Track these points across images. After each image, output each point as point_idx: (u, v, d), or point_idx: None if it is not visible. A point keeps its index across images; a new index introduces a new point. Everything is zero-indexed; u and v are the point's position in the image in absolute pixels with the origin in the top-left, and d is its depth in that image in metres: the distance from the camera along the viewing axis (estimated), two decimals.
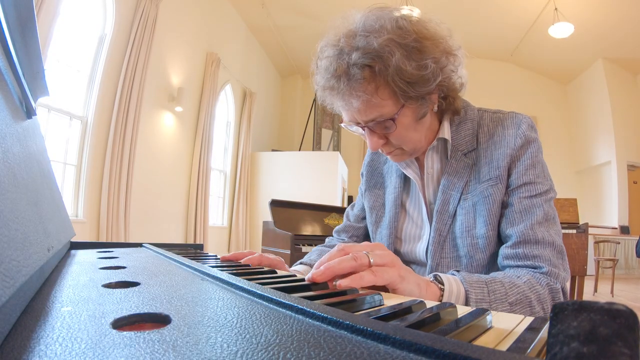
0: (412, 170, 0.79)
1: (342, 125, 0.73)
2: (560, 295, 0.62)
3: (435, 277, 0.55)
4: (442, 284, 0.53)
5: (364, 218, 0.96)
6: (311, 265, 0.85)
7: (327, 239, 1.03)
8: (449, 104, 0.72)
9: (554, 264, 0.63)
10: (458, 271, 0.59)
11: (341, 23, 0.65)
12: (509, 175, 0.68)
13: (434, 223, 0.73)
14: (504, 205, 0.68)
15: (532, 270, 0.63)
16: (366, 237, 0.97)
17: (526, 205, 0.66)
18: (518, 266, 0.64)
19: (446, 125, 0.74)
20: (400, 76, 0.60)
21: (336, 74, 0.61)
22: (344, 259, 0.46)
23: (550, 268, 0.62)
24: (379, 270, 0.46)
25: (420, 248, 0.78)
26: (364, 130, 0.70)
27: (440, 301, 0.51)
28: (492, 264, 0.70)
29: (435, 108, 0.70)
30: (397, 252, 0.84)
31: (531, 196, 0.66)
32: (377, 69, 0.60)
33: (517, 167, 0.68)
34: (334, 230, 1.04)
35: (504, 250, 0.67)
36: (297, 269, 0.83)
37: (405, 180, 0.83)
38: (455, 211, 0.71)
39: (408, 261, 0.83)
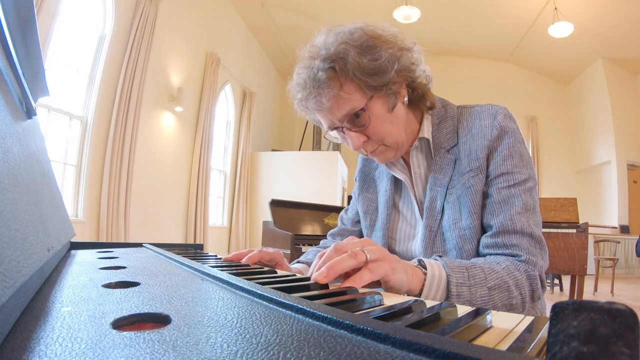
0: (400, 171, 0.82)
1: (325, 136, 0.79)
2: (538, 282, 0.65)
3: (420, 262, 0.57)
4: (426, 269, 0.56)
5: (359, 222, 0.98)
6: (308, 264, 0.87)
7: (322, 241, 1.04)
8: (420, 97, 0.76)
9: (531, 252, 0.66)
10: (440, 256, 0.61)
11: (308, 49, 0.72)
12: (487, 166, 0.71)
13: (424, 220, 0.76)
14: (485, 196, 0.71)
15: (511, 257, 0.65)
16: None
17: (505, 195, 0.68)
18: (497, 254, 0.67)
19: (426, 125, 0.77)
20: (360, 69, 0.66)
21: (306, 84, 0.69)
22: (344, 257, 0.47)
23: (528, 256, 0.65)
24: (375, 266, 0.48)
25: (415, 246, 0.80)
26: (343, 132, 0.73)
27: (424, 285, 0.55)
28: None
29: (406, 100, 0.74)
30: (392, 251, 0.85)
31: (509, 186, 0.69)
32: (338, 68, 0.67)
33: (494, 158, 0.70)
34: (328, 233, 1.05)
35: (484, 239, 0.69)
36: (295, 267, 0.85)
37: (397, 182, 0.86)
38: (443, 206, 0.74)
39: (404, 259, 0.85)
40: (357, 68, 0.65)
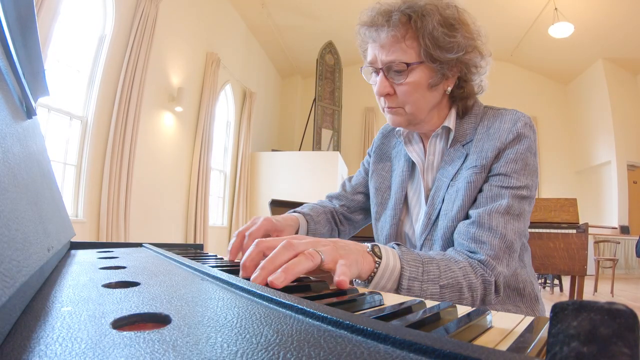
0: (416, 154, 0.83)
1: (361, 68, 0.79)
2: (492, 287, 0.64)
3: (373, 248, 0.55)
4: (380, 257, 0.55)
5: (360, 193, 1.00)
6: (304, 214, 0.90)
7: (318, 200, 1.04)
8: (462, 95, 0.77)
9: (496, 255, 0.65)
10: (399, 244, 0.60)
11: None
12: (492, 165, 0.72)
13: (426, 208, 0.77)
14: (479, 191, 0.72)
15: (472, 256, 0.65)
16: (358, 211, 1.01)
17: (494, 193, 0.69)
18: (462, 245, 0.68)
19: (453, 115, 0.78)
20: (430, 34, 0.67)
21: (380, 13, 0.71)
22: (301, 260, 0.43)
23: (489, 258, 0.64)
24: (340, 268, 0.45)
25: (417, 229, 0.81)
26: (378, 74, 0.74)
27: (374, 274, 0.54)
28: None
29: (449, 89, 0.75)
30: (399, 231, 0.87)
31: (501, 186, 0.69)
32: (414, 19, 0.68)
33: (499, 160, 0.71)
34: (326, 195, 1.05)
35: (460, 225, 0.70)
36: (296, 216, 0.88)
37: (412, 165, 0.87)
38: (444, 197, 0.75)
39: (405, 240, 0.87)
40: (429, 31, 0.67)
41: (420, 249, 0.77)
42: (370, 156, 0.99)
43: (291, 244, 0.45)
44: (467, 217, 0.71)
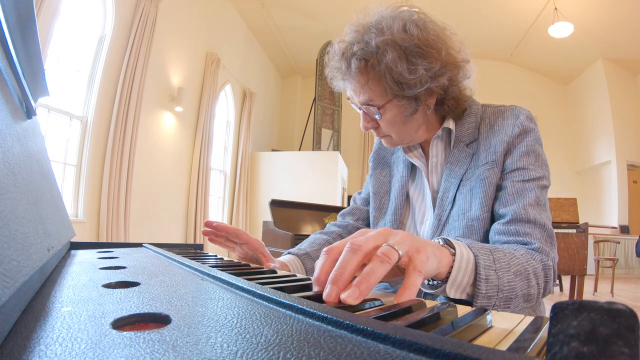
0: (417, 158, 0.83)
1: (349, 100, 0.81)
2: (552, 272, 0.63)
3: (446, 241, 0.51)
4: (453, 249, 0.50)
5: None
6: (298, 255, 0.84)
7: (327, 225, 1.02)
8: (449, 110, 0.77)
9: (544, 243, 0.65)
10: (457, 238, 0.56)
11: (364, 14, 0.73)
12: (504, 161, 0.72)
13: (435, 209, 0.77)
14: (498, 189, 0.71)
15: (524, 246, 0.64)
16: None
17: (519, 188, 0.69)
18: (509, 242, 0.66)
19: (451, 120, 0.79)
20: (390, 74, 0.67)
21: (342, 59, 0.72)
22: (375, 266, 0.35)
23: (540, 245, 0.63)
24: (416, 263, 0.39)
25: (423, 231, 0.81)
26: (360, 109, 0.76)
27: (452, 267, 0.48)
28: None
29: (429, 110, 0.75)
30: None
31: (524, 180, 0.69)
32: (371, 63, 0.68)
33: (512, 154, 0.71)
34: (339, 214, 1.03)
35: (496, 226, 0.68)
36: (285, 260, 0.82)
37: (412, 168, 0.87)
38: (455, 197, 0.74)
39: None
40: (388, 71, 0.67)
41: None
42: (371, 161, 0.99)
43: (356, 245, 0.37)
44: (491, 216, 0.71)
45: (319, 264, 0.38)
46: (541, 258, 0.62)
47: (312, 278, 0.38)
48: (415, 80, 0.67)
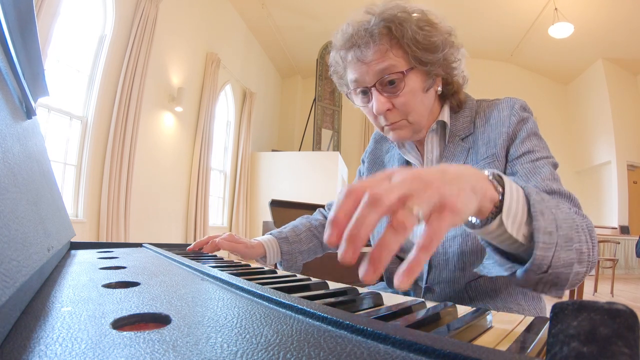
0: (412, 156, 0.82)
1: (347, 93, 0.77)
2: (594, 233, 0.52)
3: (495, 176, 0.43)
4: (501, 185, 0.42)
5: None
6: (277, 238, 0.92)
7: (316, 210, 1.07)
8: (451, 92, 0.77)
9: (577, 210, 0.57)
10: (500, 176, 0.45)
11: (364, 8, 0.72)
12: (507, 152, 0.70)
13: None
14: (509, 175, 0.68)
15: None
16: None
17: (530, 167, 0.66)
18: None
19: (446, 109, 0.78)
20: (413, 40, 0.67)
21: (357, 33, 0.69)
22: (388, 239, 0.28)
23: (576, 209, 0.57)
24: (436, 216, 0.31)
25: (417, 230, 0.79)
26: (369, 96, 0.72)
27: (497, 207, 0.41)
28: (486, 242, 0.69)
29: (439, 90, 0.75)
30: None
31: (533, 160, 0.67)
32: (394, 28, 0.68)
33: (514, 142, 0.70)
34: (326, 204, 1.07)
35: None
36: (262, 240, 0.90)
37: (407, 165, 0.86)
38: None
39: (402, 249, 0.84)
40: (411, 37, 0.67)
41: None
42: (364, 163, 0.98)
43: (376, 197, 0.30)
44: None
45: (337, 202, 0.32)
46: (583, 218, 0.53)
47: (327, 221, 0.31)
48: (436, 43, 0.68)
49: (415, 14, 0.69)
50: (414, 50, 0.68)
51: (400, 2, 0.71)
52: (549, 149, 0.71)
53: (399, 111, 0.72)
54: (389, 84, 0.70)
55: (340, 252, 0.29)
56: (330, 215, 0.31)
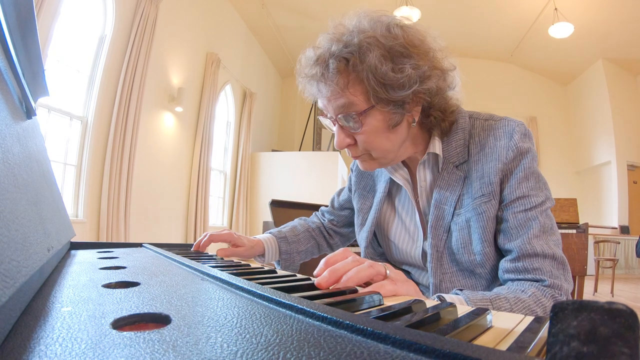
0: (401, 177, 0.78)
1: (320, 117, 0.72)
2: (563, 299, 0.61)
3: (439, 298, 0.51)
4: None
5: (346, 209, 1.02)
6: (276, 237, 0.94)
7: (313, 214, 1.10)
8: (435, 122, 0.70)
9: (555, 275, 0.62)
10: (461, 290, 0.57)
11: (339, 22, 0.66)
12: (502, 190, 0.66)
13: (429, 239, 0.71)
14: (499, 221, 0.67)
15: (535, 283, 0.61)
16: (346, 225, 1.05)
17: (521, 219, 0.64)
18: (519, 279, 0.63)
19: (436, 139, 0.72)
20: (374, 74, 0.59)
21: (316, 63, 0.64)
22: (363, 267, 0.47)
23: (552, 280, 0.61)
24: (398, 281, 0.48)
25: (415, 252, 0.79)
26: (334, 125, 0.68)
27: None
28: (495, 276, 0.70)
29: (414, 123, 0.68)
30: (382, 253, 0.87)
31: (526, 210, 0.64)
32: (352, 62, 0.60)
33: (509, 182, 0.66)
34: (320, 209, 1.10)
35: (504, 264, 0.65)
36: (262, 238, 0.92)
37: (397, 183, 0.82)
38: (450, 227, 0.70)
39: (401, 262, 0.84)
40: (371, 71, 0.59)
41: (439, 286, 0.71)
42: (352, 171, 0.94)
43: (358, 258, 0.50)
44: (495, 250, 0.68)
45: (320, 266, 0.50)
46: (552, 294, 0.60)
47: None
48: (403, 80, 0.60)
49: (390, 36, 0.61)
50: (374, 89, 0.60)
51: (378, 15, 0.64)
52: (545, 185, 0.68)
53: (360, 147, 0.68)
54: (348, 121, 0.64)
55: (320, 279, 0.44)
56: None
